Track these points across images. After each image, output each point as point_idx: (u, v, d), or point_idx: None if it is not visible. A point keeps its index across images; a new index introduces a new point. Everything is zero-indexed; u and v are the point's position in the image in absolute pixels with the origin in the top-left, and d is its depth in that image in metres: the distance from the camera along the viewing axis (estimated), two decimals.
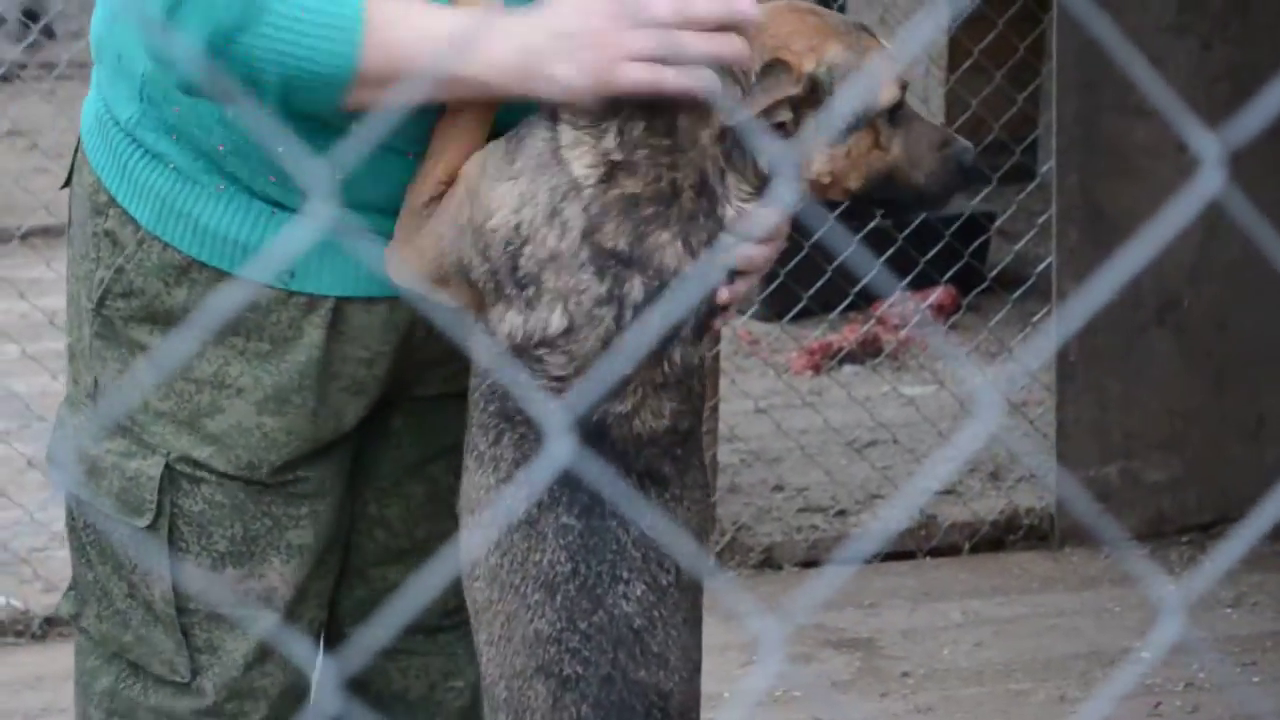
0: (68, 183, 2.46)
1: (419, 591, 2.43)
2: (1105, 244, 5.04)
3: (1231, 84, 4.99)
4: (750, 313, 6.42)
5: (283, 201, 2.30)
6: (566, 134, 2.19)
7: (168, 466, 2.36)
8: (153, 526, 2.37)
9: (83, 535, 2.44)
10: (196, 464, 2.37)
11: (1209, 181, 1.46)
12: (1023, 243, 5.73)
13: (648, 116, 2.18)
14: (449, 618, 2.53)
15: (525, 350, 2.20)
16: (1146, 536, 5.11)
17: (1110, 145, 5.02)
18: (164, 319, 2.34)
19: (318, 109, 2.17)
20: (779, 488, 5.34)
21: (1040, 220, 5.54)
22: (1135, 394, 5.07)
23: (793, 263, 5.71)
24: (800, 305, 5.95)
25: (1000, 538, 5.13)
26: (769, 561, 4.97)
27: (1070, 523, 5.09)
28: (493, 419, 2.25)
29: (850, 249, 5.57)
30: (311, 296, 2.32)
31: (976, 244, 6.27)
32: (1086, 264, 5.05)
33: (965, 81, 6.47)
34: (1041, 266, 5.34)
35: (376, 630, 2.53)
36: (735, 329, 6.10)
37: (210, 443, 2.36)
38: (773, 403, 5.62)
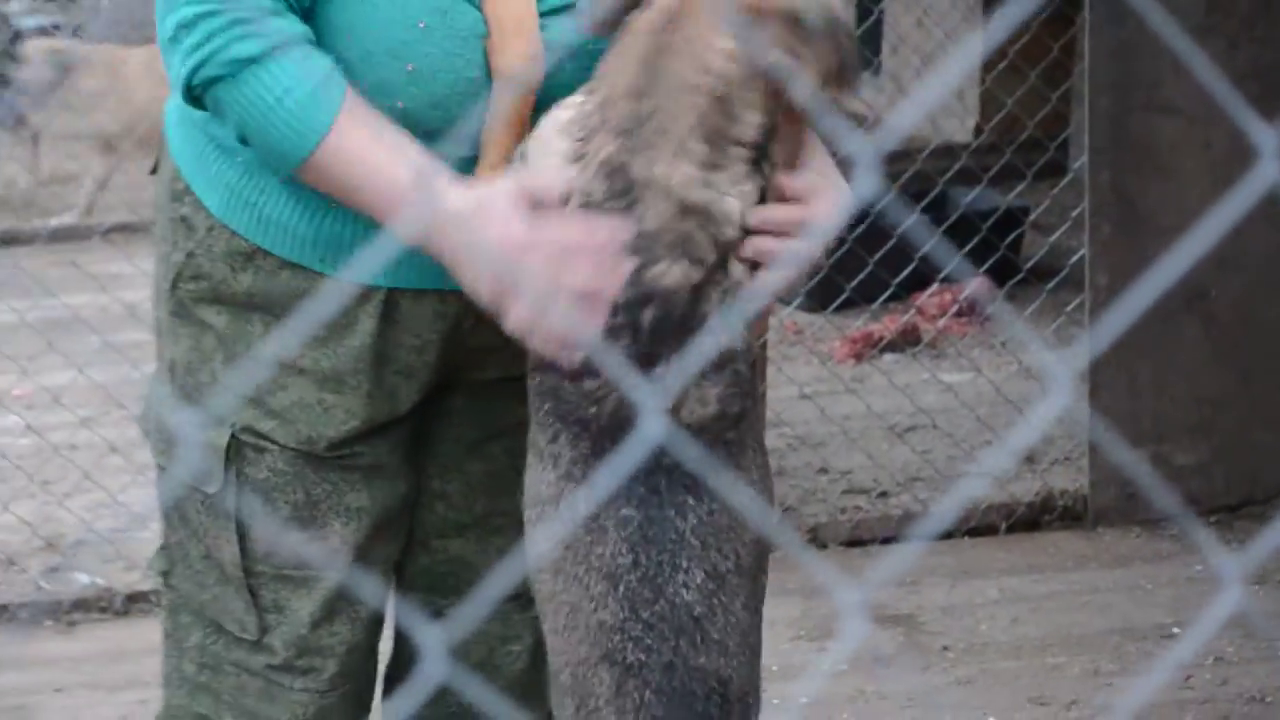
0: (154, 170, 2.52)
1: (497, 581, 2.47)
2: (1136, 237, 5.08)
3: (1259, 83, 5.01)
4: (795, 304, 6.47)
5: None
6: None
7: (234, 437, 2.41)
8: (220, 492, 2.42)
9: (168, 505, 2.51)
10: (260, 435, 2.41)
11: (1266, 172, 1.51)
12: (1056, 235, 5.76)
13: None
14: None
15: None
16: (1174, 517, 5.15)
17: (1140, 142, 5.04)
18: (229, 300, 2.39)
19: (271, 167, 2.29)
20: (824, 470, 5.38)
21: (1073, 214, 5.55)
22: (1165, 381, 5.09)
23: (835, 256, 5.77)
24: (843, 296, 6.00)
25: (1036, 518, 5.16)
26: (815, 540, 5.01)
27: (1103, 503, 5.13)
28: (548, 417, 2.27)
29: (890, 243, 5.66)
30: (366, 288, 2.37)
31: (1012, 237, 6.30)
32: (1118, 256, 5.08)
33: (1001, 81, 6.52)
34: (1074, 259, 5.37)
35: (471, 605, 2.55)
36: (781, 320, 6.14)
37: (273, 417, 2.41)
38: (817, 389, 5.66)
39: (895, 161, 6.16)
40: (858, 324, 6.34)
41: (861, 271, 5.77)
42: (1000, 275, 6.20)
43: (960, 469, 5.39)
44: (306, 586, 2.48)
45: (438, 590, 2.63)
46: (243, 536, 2.44)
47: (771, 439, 5.19)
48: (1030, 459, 5.46)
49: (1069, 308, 5.77)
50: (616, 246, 2.15)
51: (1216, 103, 5.04)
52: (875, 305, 6.08)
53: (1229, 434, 5.15)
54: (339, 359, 2.39)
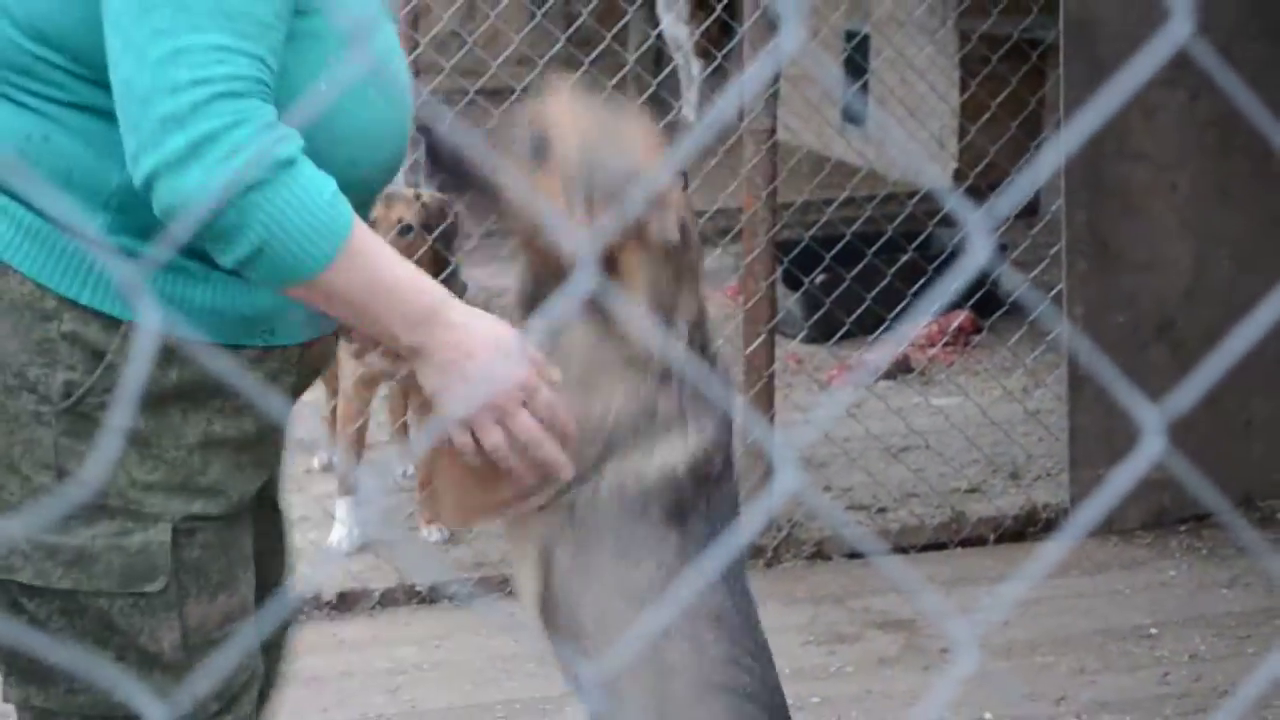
0: None
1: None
2: (1109, 272, 5.07)
3: (1218, 130, 5.02)
4: (799, 337, 6.47)
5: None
6: None
7: (174, 529, 2.23)
8: (164, 589, 2.23)
9: (49, 622, 2.23)
10: (194, 518, 2.25)
11: None
12: (1035, 272, 5.73)
13: None
14: None
15: None
16: (1150, 526, 5.12)
17: (1112, 186, 5.03)
18: (155, 400, 2.19)
19: (267, 284, 2.11)
20: (827, 488, 5.35)
21: (1052, 252, 5.53)
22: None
23: (835, 293, 5.77)
24: (842, 330, 5.98)
25: (1021, 530, 5.14)
26: (820, 554, 4.99)
27: (1081, 515, 5.11)
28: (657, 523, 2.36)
29: (885, 280, 5.65)
30: (287, 347, 2.28)
31: (995, 274, 6.28)
32: (1093, 289, 5.08)
33: (981, 131, 6.50)
34: (1053, 293, 5.35)
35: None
36: (785, 352, 6.11)
37: (203, 495, 2.25)
38: (818, 414, 5.64)
39: (885, 204, 6.15)
40: (854, 354, 6.33)
41: (858, 307, 5.75)
42: (984, 309, 6.20)
43: (951, 485, 5.37)
44: (225, 643, 2.31)
45: None
46: (182, 617, 2.25)
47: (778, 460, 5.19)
48: (1014, 475, 5.44)
49: (1049, 337, 5.76)
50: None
51: (1182, 149, 5.04)
52: (871, 337, 6.08)
53: (1197, 448, 5.13)
54: (263, 419, 2.28)
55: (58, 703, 2.27)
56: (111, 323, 2.16)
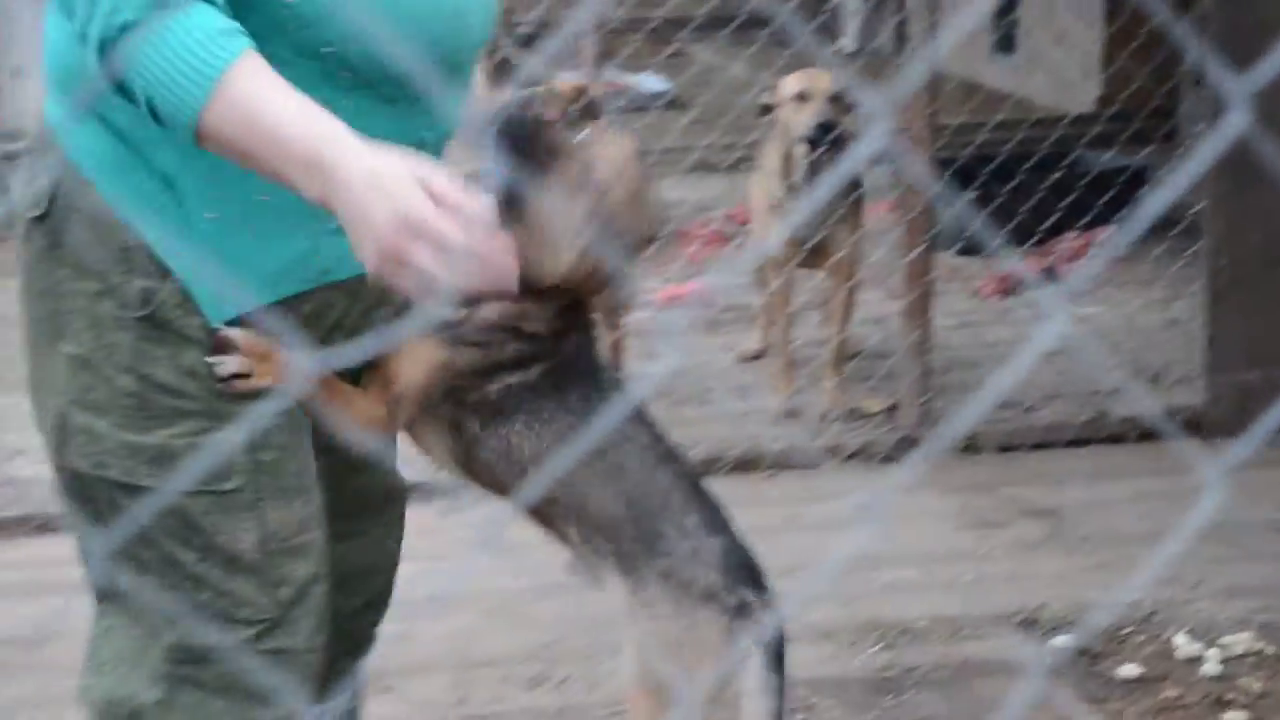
0: (44, 213, 2.15)
1: None
2: (1248, 189, 5.05)
3: None
4: (953, 249, 6.51)
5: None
6: None
7: (249, 435, 2.15)
8: (241, 487, 2.17)
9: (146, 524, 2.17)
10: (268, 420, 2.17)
11: None
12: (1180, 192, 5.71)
13: None
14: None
15: None
16: None
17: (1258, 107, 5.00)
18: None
19: (177, 136, 1.95)
20: (978, 388, 5.41)
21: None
22: (1274, 312, 5.06)
23: (991, 207, 5.79)
24: (995, 242, 6.01)
25: (1160, 429, 5.16)
26: (972, 447, 5.03)
27: (1217, 417, 5.12)
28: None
29: (1039, 195, 5.67)
30: (338, 281, 2.21)
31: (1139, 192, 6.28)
32: (1233, 206, 5.06)
33: (1126, 58, 6.47)
34: (1193, 211, 5.33)
35: None
36: (943, 264, 6.14)
37: (276, 396, 2.16)
38: (970, 320, 5.68)
39: (1034, 127, 6.15)
40: (1004, 266, 6.35)
41: (1009, 222, 5.77)
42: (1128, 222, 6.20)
43: (1094, 387, 5.39)
44: (303, 551, 2.25)
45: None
46: (261, 518, 2.20)
47: (935, 360, 5.23)
48: (1154, 379, 5.45)
49: (1187, 253, 5.75)
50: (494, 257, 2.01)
51: None
52: (1022, 249, 6.11)
53: None
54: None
55: (139, 604, 2.22)
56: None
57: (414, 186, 1.90)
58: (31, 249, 2.17)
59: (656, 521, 2.35)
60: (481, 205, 1.98)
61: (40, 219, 2.13)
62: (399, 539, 2.60)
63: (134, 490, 2.15)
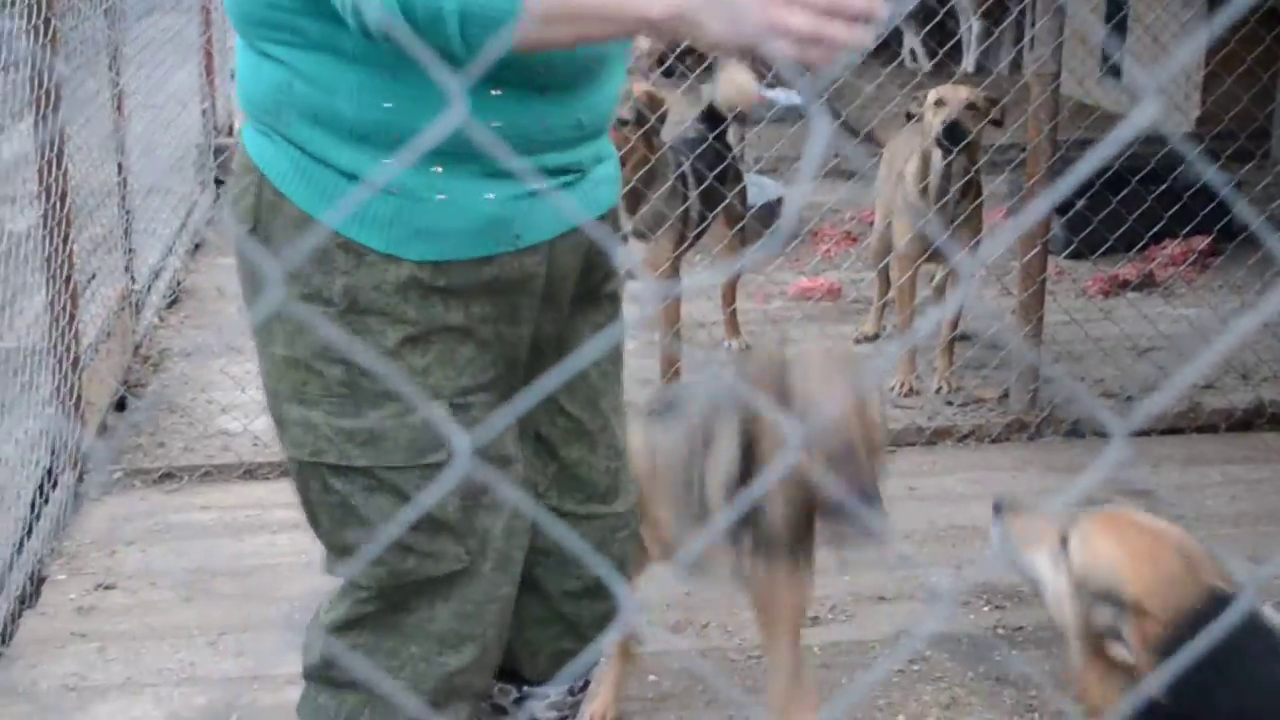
0: (254, 226, 2.14)
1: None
2: None
3: None
4: (1065, 253, 6.44)
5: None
6: None
7: (450, 404, 2.15)
8: (446, 459, 2.14)
9: (353, 499, 2.17)
10: (466, 391, 2.16)
11: None
12: (1272, 207, 5.60)
13: None
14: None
15: None
16: None
17: None
18: (421, 296, 2.11)
19: (493, 47, 1.83)
20: (1082, 378, 5.34)
21: None
22: None
23: (1101, 215, 5.72)
24: (1104, 247, 5.93)
25: (1249, 421, 5.05)
26: (1074, 431, 4.98)
27: None
28: None
29: (1145, 204, 5.58)
30: (538, 246, 2.17)
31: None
32: None
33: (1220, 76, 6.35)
34: None
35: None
36: (1053, 265, 6.09)
37: (471, 370, 2.16)
38: (1078, 317, 5.61)
39: (1146, 145, 6.05)
40: (1110, 269, 6.27)
41: (1116, 229, 5.70)
42: (1222, 236, 6.09)
43: (1189, 381, 5.30)
44: (498, 509, 2.23)
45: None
46: (463, 486, 2.18)
47: (1044, 354, 5.18)
48: (1245, 375, 5.35)
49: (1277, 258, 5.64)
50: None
51: None
52: (1126, 254, 6.03)
53: None
54: (508, 309, 2.19)
55: (373, 577, 2.24)
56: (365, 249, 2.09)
57: None
58: (246, 261, 2.19)
59: None
60: None
61: (251, 232, 2.15)
62: (627, 536, 2.53)
63: (349, 471, 2.16)
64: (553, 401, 2.38)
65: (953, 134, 4.99)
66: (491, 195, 2.08)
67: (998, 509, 2.36)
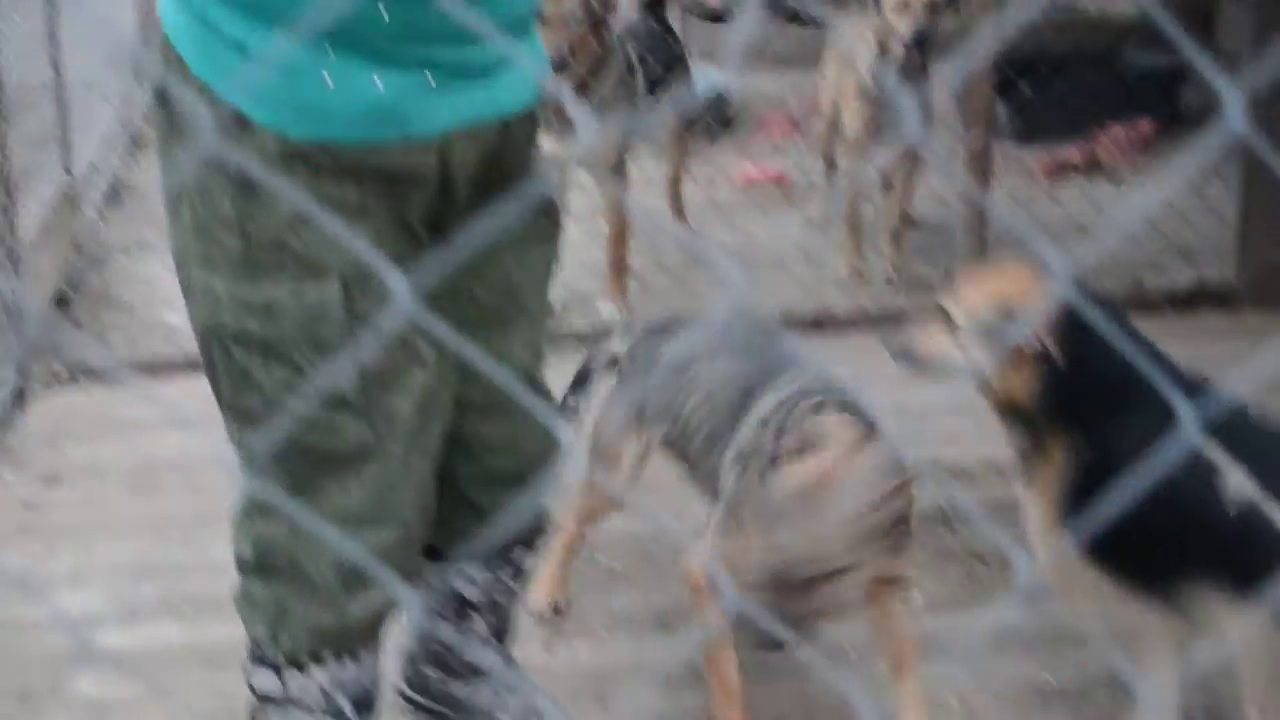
0: (163, 98, 2.15)
1: None
2: None
3: None
4: (1009, 137, 6.39)
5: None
6: None
7: (343, 283, 2.12)
8: (340, 336, 2.13)
9: (251, 367, 2.16)
10: (366, 275, 2.12)
11: None
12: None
13: None
14: None
15: None
16: None
17: None
18: (313, 173, 2.09)
19: None
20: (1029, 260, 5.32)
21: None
22: None
23: (1042, 102, 5.68)
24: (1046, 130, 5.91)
25: (1192, 299, 5.05)
26: None
27: (1247, 291, 5.00)
28: None
29: (1090, 89, 5.54)
30: (425, 137, 2.14)
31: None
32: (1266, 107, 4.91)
33: None
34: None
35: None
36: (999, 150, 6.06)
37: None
38: (1023, 200, 5.58)
39: (1091, 30, 6.00)
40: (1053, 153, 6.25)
41: (1059, 113, 5.67)
42: (1166, 119, 6.07)
43: (1132, 260, 5.29)
44: (407, 389, 2.23)
45: None
46: (358, 361, 2.16)
47: (990, 234, 5.15)
48: (1187, 255, 5.34)
49: (1220, 141, 5.60)
50: None
51: None
52: (1071, 138, 6.01)
53: None
54: (401, 199, 2.17)
55: (270, 445, 2.22)
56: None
57: None
58: (158, 130, 2.20)
59: None
60: None
61: (159, 101, 2.15)
62: (543, 437, 2.51)
63: (245, 340, 2.15)
64: (461, 288, 2.34)
65: (922, 42, 4.90)
66: (379, 82, 2.06)
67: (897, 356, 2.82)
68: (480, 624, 2.71)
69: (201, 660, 3.13)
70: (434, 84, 2.10)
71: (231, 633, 3.19)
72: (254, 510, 2.29)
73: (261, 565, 2.31)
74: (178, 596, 3.35)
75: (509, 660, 2.82)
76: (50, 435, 4.14)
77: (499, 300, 2.41)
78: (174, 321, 4.75)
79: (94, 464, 3.97)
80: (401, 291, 1.04)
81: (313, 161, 2.09)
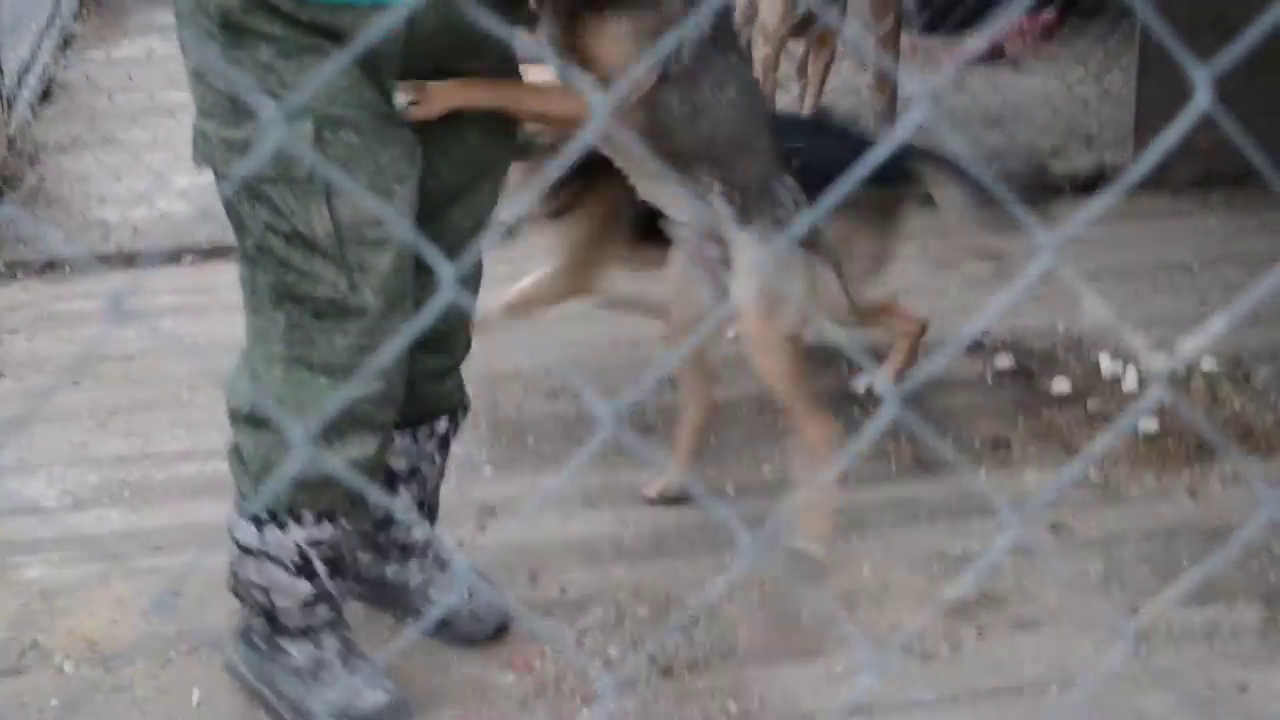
0: None
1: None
2: None
3: None
4: (917, 27, 6.39)
5: None
6: None
7: (316, 124, 2.15)
8: (310, 176, 2.15)
9: (242, 209, 2.23)
10: (338, 118, 2.16)
11: None
12: None
13: None
14: None
15: None
16: (1196, 184, 4.99)
17: None
18: (292, 17, 2.12)
19: None
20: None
21: None
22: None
23: None
24: (949, 21, 5.91)
25: (1093, 182, 5.08)
26: (928, 199, 4.98)
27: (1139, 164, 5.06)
28: None
29: None
30: (393, 4, 2.12)
31: None
32: None
33: None
34: None
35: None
36: (906, 40, 6.06)
37: (342, 98, 2.16)
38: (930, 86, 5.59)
39: None
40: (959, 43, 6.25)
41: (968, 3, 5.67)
42: (1069, 8, 6.08)
43: (1036, 146, 5.33)
44: (383, 245, 2.23)
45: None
46: (332, 208, 2.18)
47: (898, 125, 5.17)
48: (1088, 140, 5.39)
49: (1119, 30, 5.66)
50: None
51: None
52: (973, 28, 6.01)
53: (1242, 121, 5.01)
54: (379, 44, 2.17)
55: (264, 283, 2.27)
56: None
57: None
58: None
59: (770, 184, 2.70)
60: None
61: None
62: (471, 305, 2.60)
63: (234, 181, 2.21)
64: (427, 161, 2.34)
65: None
66: None
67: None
68: (405, 496, 2.73)
69: (144, 544, 3.14)
70: None
71: (173, 517, 3.22)
72: (251, 360, 2.33)
73: (251, 416, 2.35)
74: (119, 483, 3.36)
75: (434, 537, 2.85)
76: None
77: (457, 175, 2.44)
78: (109, 217, 4.70)
79: (34, 356, 3.95)
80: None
81: (287, 12, 2.12)
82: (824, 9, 5.06)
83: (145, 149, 5.08)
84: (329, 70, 2.13)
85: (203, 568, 2.99)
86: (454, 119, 2.33)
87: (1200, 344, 3.79)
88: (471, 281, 2.60)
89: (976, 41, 6.18)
